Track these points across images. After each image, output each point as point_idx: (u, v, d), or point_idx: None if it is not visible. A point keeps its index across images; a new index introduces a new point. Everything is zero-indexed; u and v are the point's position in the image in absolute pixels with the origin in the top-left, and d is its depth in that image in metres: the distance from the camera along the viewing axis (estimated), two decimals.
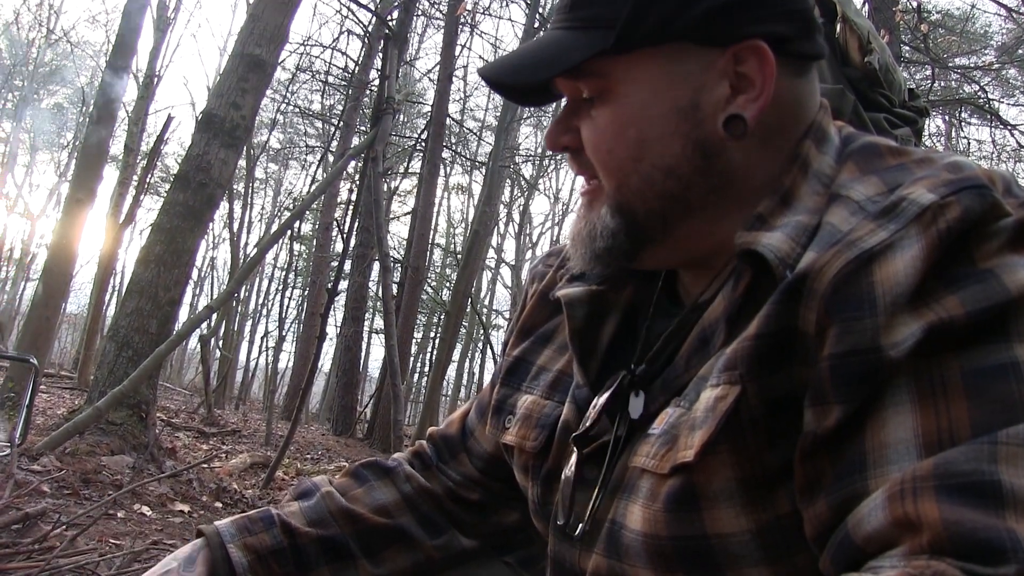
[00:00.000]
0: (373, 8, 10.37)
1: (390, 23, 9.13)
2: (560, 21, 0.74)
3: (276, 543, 0.94)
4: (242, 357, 21.30)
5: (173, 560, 0.91)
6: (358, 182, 6.04)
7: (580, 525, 0.75)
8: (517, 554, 1.01)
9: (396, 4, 11.06)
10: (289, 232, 14.88)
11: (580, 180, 0.80)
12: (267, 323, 21.29)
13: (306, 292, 16.30)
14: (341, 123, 12.85)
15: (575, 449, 0.78)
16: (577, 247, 0.78)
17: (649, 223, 0.74)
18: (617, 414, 0.75)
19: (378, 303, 13.95)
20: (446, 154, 13.52)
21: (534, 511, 0.86)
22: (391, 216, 15.58)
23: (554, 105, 0.95)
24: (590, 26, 0.71)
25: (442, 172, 15.02)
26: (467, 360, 22.34)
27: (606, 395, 0.77)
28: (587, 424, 0.77)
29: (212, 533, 0.93)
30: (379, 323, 15.89)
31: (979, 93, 9.42)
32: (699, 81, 0.71)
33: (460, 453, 1.03)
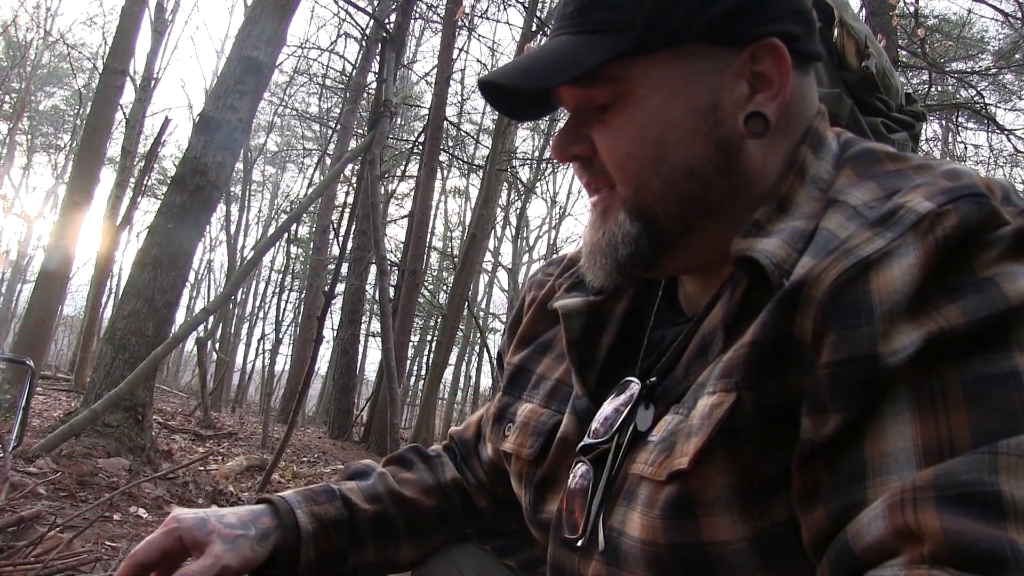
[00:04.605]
0: (371, 11, 10.37)
1: (388, 26, 9.12)
2: (566, 27, 0.72)
3: (339, 514, 0.97)
4: (239, 360, 21.30)
5: (241, 528, 0.90)
6: (355, 185, 6.04)
7: (582, 534, 0.75)
8: (518, 557, 1.00)
9: (393, 7, 11.06)
10: (286, 235, 14.87)
11: (578, 184, 0.79)
12: (264, 326, 21.31)
13: (303, 295, 16.30)
14: (338, 126, 12.85)
15: (579, 459, 0.78)
16: (596, 259, 0.76)
17: (670, 226, 0.73)
18: (623, 424, 0.75)
19: (375, 306, 13.94)
20: (443, 157, 13.52)
21: (528, 518, 0.86)
22: (388, 219, 15.55)
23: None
24: (603, 30, 0.70)
25: (439, 175, 15.05)
26: (463, 364, 22.32)
27: (612, 407, 0.76)
28: (597, 438, 0.76)
29: (280, 500, 0.95)
30: (376, 326, 15.87)
31: (976, 98, 9.42)
32: (717, 81, 0.71)
33: (473, 457, 1.06)
